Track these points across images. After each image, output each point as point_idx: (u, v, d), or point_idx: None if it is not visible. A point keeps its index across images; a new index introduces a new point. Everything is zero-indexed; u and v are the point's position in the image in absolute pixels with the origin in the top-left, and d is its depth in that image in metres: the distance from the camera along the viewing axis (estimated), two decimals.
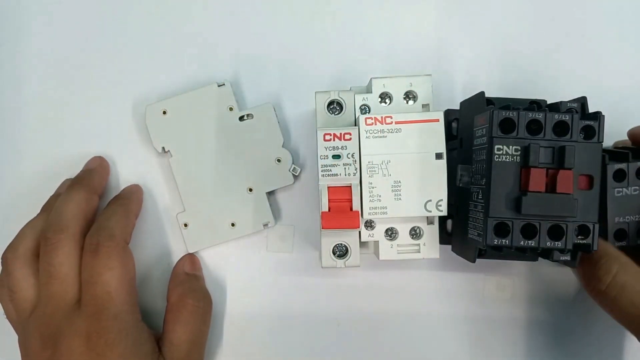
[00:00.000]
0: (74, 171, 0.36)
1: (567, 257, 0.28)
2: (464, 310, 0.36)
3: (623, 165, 0.31)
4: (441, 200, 0.29)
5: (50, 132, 0.37)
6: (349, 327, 0.36)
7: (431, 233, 0.31)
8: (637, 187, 0.31)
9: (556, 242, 0.26)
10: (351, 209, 0.29)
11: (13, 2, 0.37)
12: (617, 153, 0.31)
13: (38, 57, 0.37)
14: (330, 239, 0.31)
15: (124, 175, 0.37)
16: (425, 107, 0.31)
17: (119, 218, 0.32)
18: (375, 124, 0.29)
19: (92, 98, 0.37)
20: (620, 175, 0.31)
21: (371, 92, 0.31)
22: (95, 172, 0.35)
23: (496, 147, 0.26)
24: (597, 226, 0.27)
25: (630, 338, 0.34)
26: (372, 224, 0.31)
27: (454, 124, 0.34)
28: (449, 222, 0.34)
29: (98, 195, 0.34)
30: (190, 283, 0.35)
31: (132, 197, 0.35)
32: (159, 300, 0.35)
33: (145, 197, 0.37)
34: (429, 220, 0.31)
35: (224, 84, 0.36)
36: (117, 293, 0.30)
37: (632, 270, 0.28)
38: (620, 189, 0.31)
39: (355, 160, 0.29)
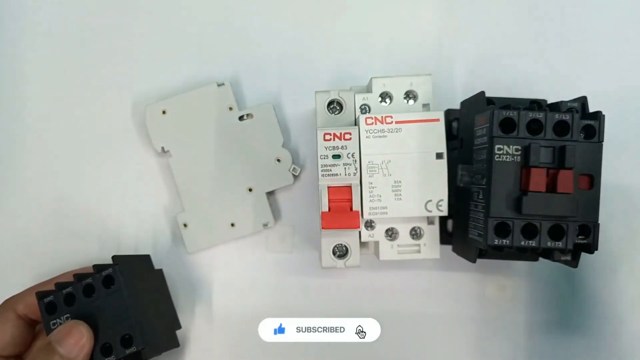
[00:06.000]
0: (73, 171, 0.36)
1: (568, 257, 0.28)
2: (464, 310, 0.36)
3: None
4: (442, 200, 0.29)
5: (50, 131, 0.37)
6: None
7: (431, 233, 0.31)
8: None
9: (557, 242, 0.26)
10: (351, 209, 0.29)
11: (13, 2, 0.37)
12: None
13: (38, 57, 0.37)
14: (330, 239, 0.31)
15: (124, 175, 0.37)
16: (426, 106, 0.31)
17: None
18: (376, 124, 0.29)
19: (92, 98, 0.37)
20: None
21: (371, 92, 0.31)
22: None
23: (497, 146, 0.26)
24: (598, 226, 0.27)
25: (630, 337, 0.34)
26: (372, 224, 0.31)
27: (454, 124, 0.34)
28: (450, 222, 0.34)
29: None
30: None
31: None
32: None
33: (145, 197, 0.37)
34: (430, 221, 0.31)
35: (223, 84, 0.36)
36: None
37: None
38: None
39: (356, 160, 0.29)
